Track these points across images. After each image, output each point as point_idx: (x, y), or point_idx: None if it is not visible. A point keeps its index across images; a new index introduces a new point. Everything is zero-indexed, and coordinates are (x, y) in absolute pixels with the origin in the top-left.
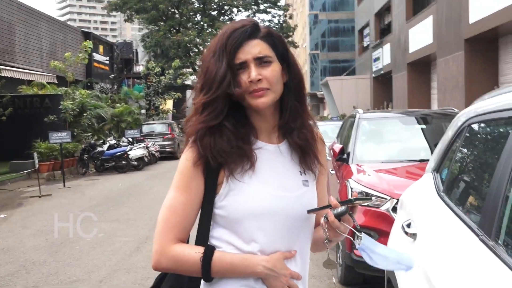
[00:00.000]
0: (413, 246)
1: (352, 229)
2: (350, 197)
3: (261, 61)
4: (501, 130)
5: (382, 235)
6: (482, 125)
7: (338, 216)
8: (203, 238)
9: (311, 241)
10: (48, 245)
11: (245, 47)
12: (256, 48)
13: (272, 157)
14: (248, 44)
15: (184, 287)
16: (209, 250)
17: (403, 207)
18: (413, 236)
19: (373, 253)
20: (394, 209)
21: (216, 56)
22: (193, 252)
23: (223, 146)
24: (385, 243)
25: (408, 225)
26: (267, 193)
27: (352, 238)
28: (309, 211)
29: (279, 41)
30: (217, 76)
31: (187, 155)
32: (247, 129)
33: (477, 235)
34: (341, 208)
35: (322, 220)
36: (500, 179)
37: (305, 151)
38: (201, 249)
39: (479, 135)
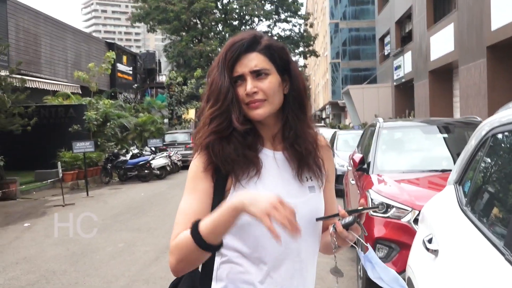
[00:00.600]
0: (435, 264)
1: (359, 238)
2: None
3: (257, 74)
4: None
5: (403, 248)
6: (507, 134)
7: (346, 226)
8: None
9: (320, 244)
10: (69, 254)
11: (243, 60)
12: (252, 61)
13: (277, 164)
14: (245, 57)
15: None
16: (195, 222)
17: (424, 220)
18: (435, 252)
19: (377, 266)
20: (416, 220)
21: (219, 70)
22: (185, 232)
23: (231, 154)
24: (406, 256)
25: (430, 241)
26: None
27: (356, 247)
28: (318, 219)
29: (278, 53)
30: (222, 89)
31: (196, 162)
32: (253, 137)
33: (502, 254)
34: (348, 218)
35: (330, 230)
36: None
37: (304, 160)
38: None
39: (504, 145)
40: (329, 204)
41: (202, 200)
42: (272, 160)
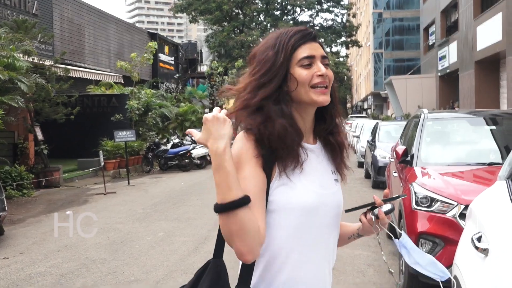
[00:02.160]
0: (485, 263)
1: (395, 226)
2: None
3: (324, 62)
4: None
5: (448, 243)
6: None
7: (387, 213)
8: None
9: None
10: (109, 243)
11: (312, 45)
12: (320, 49)
13: (312, 157)
14: (313, 44)
15: (223, 280)
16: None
17: (473, 217)
18: (485, 251)
19: (413, 251)
20: (461, 215)
21: (276, 51)
22: None
23: (283, 141)
24: (451, 252)
25: (479, 239)
26: (311, 191)
27: (392, 236)
28: (347, 211)
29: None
30: (276, 64)
31: (244, 145)
32: (297, 129)
33: None
34: (387, 206)
35: (373, 218)
36: None
37: (336, 151)
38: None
39: None
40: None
41: (250, 187)
42: (310, 152)
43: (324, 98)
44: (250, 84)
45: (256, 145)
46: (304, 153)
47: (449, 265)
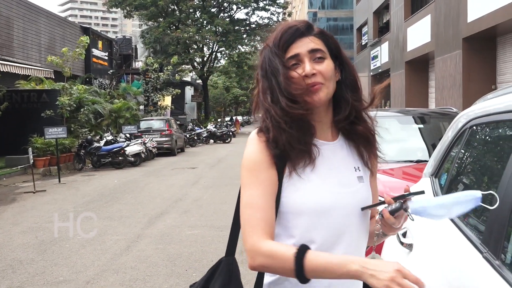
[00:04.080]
0: (409, 258)
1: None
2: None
3: (314, 56)
4: (507, 133)
5: None
6: (485, 127)
7: (393, 213)
8: None
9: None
10: (38, 243)
11: (298, 43)
12: (310, 43)
13: (329, 154)
14: (301, 40)
15: (236, 278)
16: (303, 247)
17: None
18: (409, 247)
19: (429, 209)
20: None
21: (272, 52)
22: (288, 249)
23: (290, 140)
24: (379, 247)
25: (404, 234)
26: (325, 190)
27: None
28: (363, 208)
29: (331, 39)
30: (274, 71)
31: (255, 149)
32: (307, 126)
33: (480, 252)
34: (395, 205)
35: (377, 217)
36: (507, 188)
37: (361, 146)
38: (294, 248)
39: (481, 138)
40: (373, 196)
41: (268, 192)
42: (324, 150)
43: (317, 97)
44: (262, 105)
45: (268, 145)
46: (316, 150)
47: None
